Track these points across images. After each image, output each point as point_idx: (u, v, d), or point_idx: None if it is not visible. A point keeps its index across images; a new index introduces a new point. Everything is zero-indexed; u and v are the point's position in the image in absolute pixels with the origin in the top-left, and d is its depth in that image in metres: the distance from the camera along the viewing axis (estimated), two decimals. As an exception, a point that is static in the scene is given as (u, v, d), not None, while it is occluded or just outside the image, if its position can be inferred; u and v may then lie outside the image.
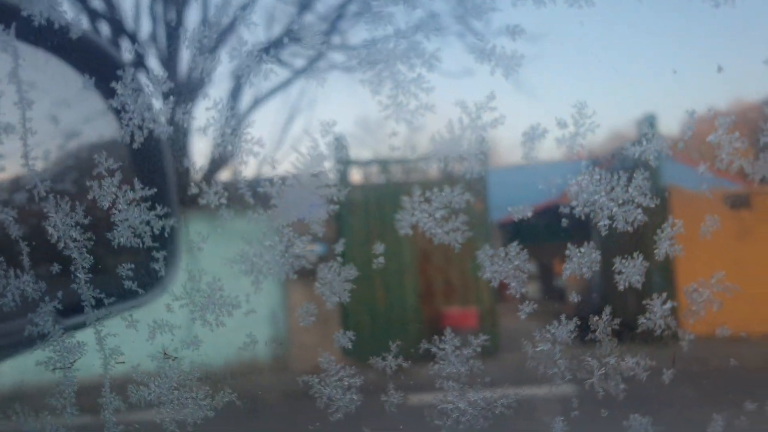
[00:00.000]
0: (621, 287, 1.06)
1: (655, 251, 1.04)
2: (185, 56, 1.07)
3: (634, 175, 1.03)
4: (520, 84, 1.05)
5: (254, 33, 0.99)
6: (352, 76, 1.06)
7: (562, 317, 1.07)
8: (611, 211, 1.03)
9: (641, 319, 1.07)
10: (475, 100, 1.02)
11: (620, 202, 1.03)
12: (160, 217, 1.08)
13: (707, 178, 1.05)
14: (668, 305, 1.07)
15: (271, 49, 1.02)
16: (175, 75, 1.13)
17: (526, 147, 1.03)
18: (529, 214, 1.05)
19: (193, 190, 1.07)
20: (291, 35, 1.03)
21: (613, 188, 1.03)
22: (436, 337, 1.09)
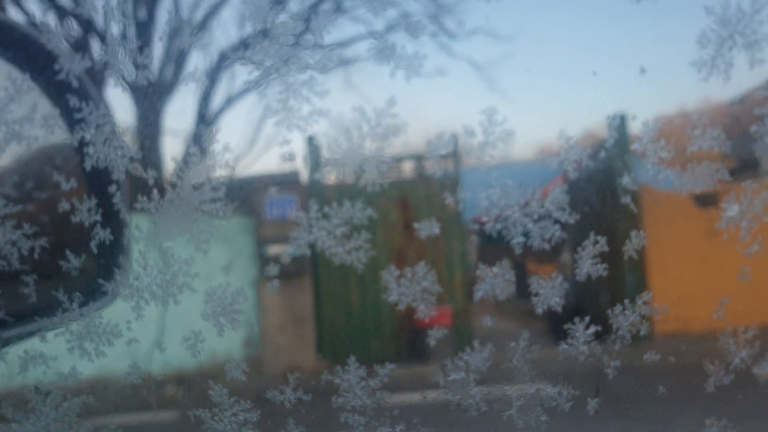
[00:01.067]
0: (539, 310, 0.96)
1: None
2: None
3: (551, 188, 0.93)
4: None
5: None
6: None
7: (476, 343, 0.98)
8: (525, 227, 0.94)
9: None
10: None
11: (536, 217, 0.93)
12: (28, 236, 0.97)
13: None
14: (591, 329, 0.97)
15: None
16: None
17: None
18: (437, 231, 0.95)
19: (65, 206, 0.96)
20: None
21: (527, 202, 0.93)
22: (338, 367, 0.99)
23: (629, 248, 0.94)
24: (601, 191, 1.03)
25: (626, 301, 0.96)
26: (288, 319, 8.77)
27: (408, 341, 7.65)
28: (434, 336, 0.97)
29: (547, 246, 0.94)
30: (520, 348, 0.98)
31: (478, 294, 0.96)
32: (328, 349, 8.40)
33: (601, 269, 0.95)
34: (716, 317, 0.97)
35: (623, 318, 0.97)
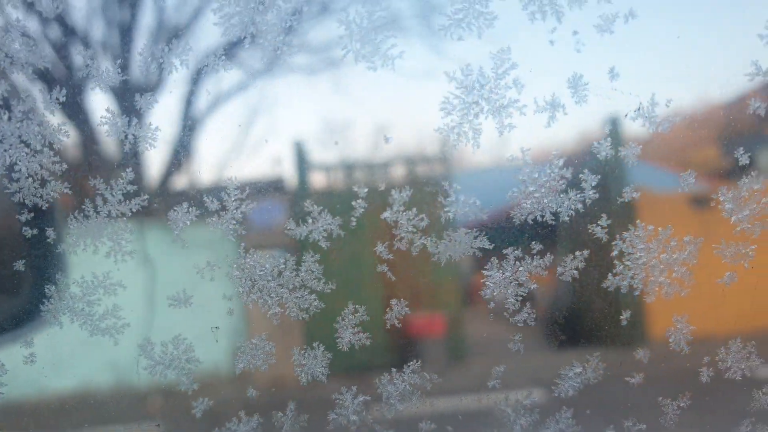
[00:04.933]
0: (303, 381, 0.94)
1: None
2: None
3: (304, 257, 0.91)
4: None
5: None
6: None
7: (242, 414, 0.95)
8: (282, 297, 0.91)
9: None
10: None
11: (291, 287, 0.91)
12: None
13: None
14: (360, 398, 0.95)
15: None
16: None
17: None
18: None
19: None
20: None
21: (281, 273, 0.91)
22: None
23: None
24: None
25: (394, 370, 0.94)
26: (277, 328, 8.78)
27: (402, 350, 7.62)
28: (199, 408, 0.95)
29: (305, 316, 0.92)
30: (289, 418, 0.95)
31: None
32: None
33: (363, 338, 0.93)
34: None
35: (392, 387, 0.94)
